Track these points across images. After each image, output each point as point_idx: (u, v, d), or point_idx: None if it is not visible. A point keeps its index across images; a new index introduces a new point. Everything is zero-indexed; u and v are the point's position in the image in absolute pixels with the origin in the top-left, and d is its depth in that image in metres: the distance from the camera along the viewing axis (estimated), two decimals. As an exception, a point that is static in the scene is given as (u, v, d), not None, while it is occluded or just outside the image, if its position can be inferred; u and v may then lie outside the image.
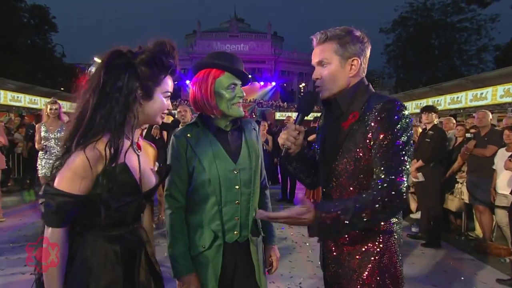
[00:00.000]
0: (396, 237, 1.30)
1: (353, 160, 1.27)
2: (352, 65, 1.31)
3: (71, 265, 1.19)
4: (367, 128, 1.23)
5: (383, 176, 1.16)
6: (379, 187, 1.15)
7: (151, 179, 1.35)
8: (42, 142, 4.80)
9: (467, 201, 4.95)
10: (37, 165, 4.92)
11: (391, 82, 32.81)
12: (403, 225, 5.63)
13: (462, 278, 3.81)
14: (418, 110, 11.23)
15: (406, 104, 15.01)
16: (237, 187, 1.54)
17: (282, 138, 1.36)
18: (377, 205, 1.12)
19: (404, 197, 1.15)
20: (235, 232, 1.55)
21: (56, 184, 1.15)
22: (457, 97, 12.44)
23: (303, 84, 37.82)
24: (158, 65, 1.25)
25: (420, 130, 5.49)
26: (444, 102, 13.14)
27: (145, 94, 1.25)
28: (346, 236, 1.30)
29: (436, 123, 4.85)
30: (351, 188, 1.30)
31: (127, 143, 1.24)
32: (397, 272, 1.28)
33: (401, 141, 1.18)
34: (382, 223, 1.28)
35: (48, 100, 5.23)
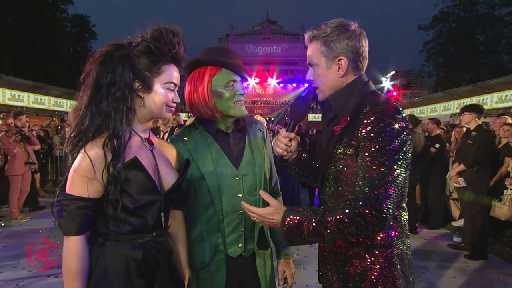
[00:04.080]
0: (395, 252, 1.15)
1: (345, 167, 1.15)
2: (339, 65, 1.20)
3: (91, 277, 1.12)
4: (355, 133, 1.11)
5: (363, 188, 1.04)
6: (356, 199, 1.05)
7: (170, 177, 1.23)
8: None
9: (518, 210, 4.44)
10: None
11: (431, 81, 31.20)
12: (446, 233, 5.28)
13: (513, 297, 3.39)
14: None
15: (447, 104, 13.94)
16: (240, 195, 1.38)
17: (274, 146, 1.35)
18: (345, 219, 1.02)
19: (385, 214, 1.01)
20: (239, 245, 1.38)
21: (67, 189, 1.10)
22: (506, 95, 11.54)
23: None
24: (155, 54, 1.17)
25: (464, 130, 5.04)
26: (490, 101, 12.21)
27: (144, 86, 1.17)
28: (341, 247, 1.19)
29: (479, 123, 4.42)
30: (346, 196, 1.16)
31: (135, 138, 1.19)
32: None
33: (389, 148, 1.05)
34: (379, 237, 1.14)
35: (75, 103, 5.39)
